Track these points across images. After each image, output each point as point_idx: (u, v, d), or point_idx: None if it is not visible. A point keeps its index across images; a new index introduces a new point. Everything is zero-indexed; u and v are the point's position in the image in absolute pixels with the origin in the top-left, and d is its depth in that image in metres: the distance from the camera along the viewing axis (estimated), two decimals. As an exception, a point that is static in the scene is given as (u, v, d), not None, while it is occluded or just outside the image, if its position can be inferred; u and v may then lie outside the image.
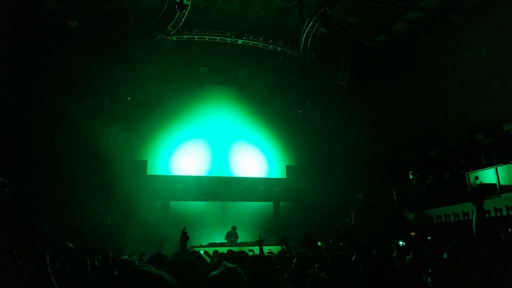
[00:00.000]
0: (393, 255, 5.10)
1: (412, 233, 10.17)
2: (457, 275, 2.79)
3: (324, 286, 2.43)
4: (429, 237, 10.92)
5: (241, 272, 1.94)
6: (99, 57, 11.41)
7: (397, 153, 14.19)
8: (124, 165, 12.51)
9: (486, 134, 11.34)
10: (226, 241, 11.87)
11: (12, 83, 10.99)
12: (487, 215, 9.67)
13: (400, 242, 8.67)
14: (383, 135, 14.48)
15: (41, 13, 11.53)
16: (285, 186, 14.71)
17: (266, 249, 8.66)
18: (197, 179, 14.03)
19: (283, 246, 5.64)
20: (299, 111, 15.48)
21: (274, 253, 7.72)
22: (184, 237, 4.05)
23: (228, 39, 13.28)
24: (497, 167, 9.74)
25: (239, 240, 11.99)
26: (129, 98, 13.53)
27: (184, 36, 12.96)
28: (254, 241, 10.84)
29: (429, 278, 3.19)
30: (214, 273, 1.93)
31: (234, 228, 12.42)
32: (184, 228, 4.14)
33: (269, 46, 13.81)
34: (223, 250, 7.79)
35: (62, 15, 11.82)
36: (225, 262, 2.05)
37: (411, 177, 13.09)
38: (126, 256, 4.94)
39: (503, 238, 4.98)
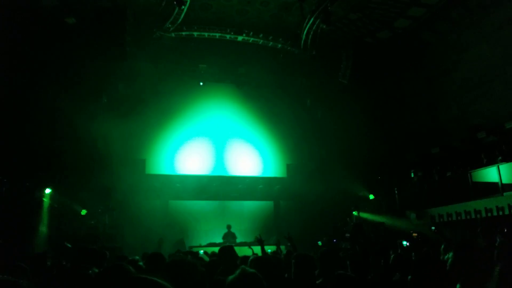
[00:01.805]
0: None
1: (414, 234, 10.08)
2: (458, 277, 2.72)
3: (349, 283, 2.37)
4: (433, 227, 10.84)
5: (260, 277, 1.87)
6: (97, 54, 11.27)
7: (398, 151, 14.09)
8: (122, 163, 12.40)
9: (488, 132, 11.24)
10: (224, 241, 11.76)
11: (8, 80, 10.84)
12: (489, 214, 9.61)
13: (404, 242, 8.59)
14: (385, 133, 14.38)
15: (38, 9, 11.37)
16: (286, 185, 14.61)
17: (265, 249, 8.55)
18: (197, 178, 13.92)
19: (279, 246, 5.50)
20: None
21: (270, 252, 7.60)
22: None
23: (228, 36, 13.14)
24: (499, 166, 9.67)
25: (238, 240, 11.88)
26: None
27: (183, 33, 12.81)
28: (254, 240, 10.78)
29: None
30: (232, 277, 1.88)
31: (229, 227, 12.29)
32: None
33: (269, 43, 13.68)
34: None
35: (59, 11, 11.66)
36: (243, 266, 1.98)
37: (412, 175, 13.01)
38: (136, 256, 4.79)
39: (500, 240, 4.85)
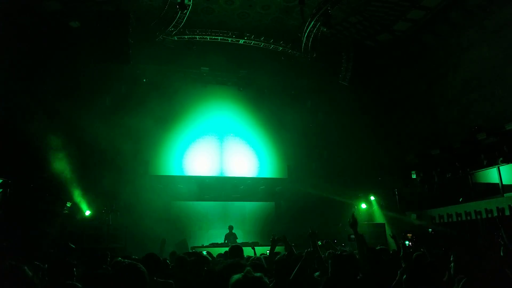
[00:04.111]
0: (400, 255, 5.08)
1: (409, 234, 10.18)
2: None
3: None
4: (430, 230, 10.91)
5: (266, 281, 1.91)
6: (100, 57, 11.41)
7: (399, 153, 14.15)
8: (126, 165, 12.52)
9: (488, 133, 11.29)
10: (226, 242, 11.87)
11: (12, 83, 10.99)
12: (489, 215, 9.66)
13: (407, 242, 8.67)
14: (385, 135, 14.44)
15: (42, 13, 11.54)
16: (287, 186, 14.70)
17: (263, 250, 8.64)
18: (199, 179, 14.03)
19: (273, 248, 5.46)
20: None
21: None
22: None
23: (229, 39, 13.27)
24: (500, 167, 9.73)
25: (239, 240, 11.98)
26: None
27: (185, 36, 12.95)
28: (253, 241, 10.85)
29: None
30: (237, 277, 1.90)
31: (231, 228, 12.40)
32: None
33: (271, 46, 13.80)
34: (225, 250, 7.79)
35: (63, 15, 11.84)
36: (248, 268, 2.00)
37: (413, 176, 13.07)
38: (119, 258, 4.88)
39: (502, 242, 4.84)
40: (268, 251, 7.50)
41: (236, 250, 4.66)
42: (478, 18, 11.91)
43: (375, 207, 13.26)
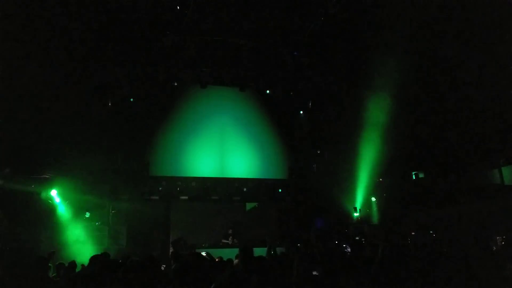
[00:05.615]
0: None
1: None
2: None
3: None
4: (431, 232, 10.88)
5: None
6: (101, 58, 11.43)
7: (399, 153, 14.09)
8: (125, 166, 12.54)
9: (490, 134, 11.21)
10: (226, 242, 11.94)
11: (13, 82, 10.99)
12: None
13: None
14: (386, 135, 14.37)
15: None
16: (288, 187, 14.68)
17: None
18: (200, 180, 14.04)
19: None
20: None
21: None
22: None
23: (230, 40, 13.25)
24: (502, 168, 9.69)
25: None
26: (132, 99, 13.53)
27: (186, 37, 12.93)
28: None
29: None
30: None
31: (227, 229, 12.52)
32: None
33: (271, 47, 13.77)
34: (226, 251, 7.80)
35: (63, 16, 11.80)
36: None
37: (414, 177, 13.04)
38: None
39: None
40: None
41: (246, 250, 4.83)
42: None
43: (374, 208, 13.26)
